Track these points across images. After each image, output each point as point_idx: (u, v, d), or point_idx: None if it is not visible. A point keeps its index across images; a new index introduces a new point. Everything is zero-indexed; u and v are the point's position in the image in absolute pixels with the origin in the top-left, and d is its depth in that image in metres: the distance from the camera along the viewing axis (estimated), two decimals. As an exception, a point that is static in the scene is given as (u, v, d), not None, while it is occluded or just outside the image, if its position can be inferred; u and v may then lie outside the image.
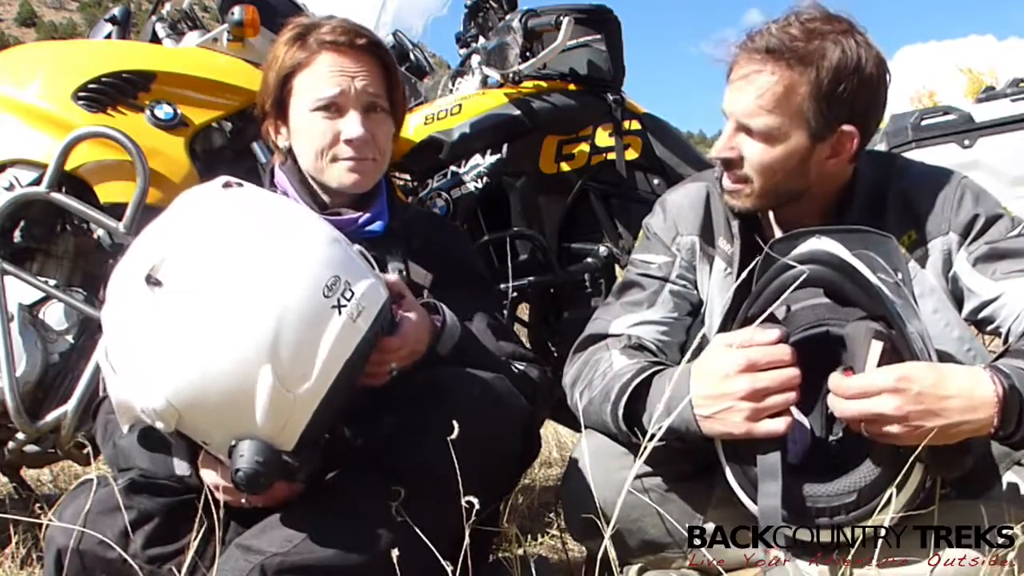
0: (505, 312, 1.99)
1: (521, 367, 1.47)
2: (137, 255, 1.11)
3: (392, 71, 1.50)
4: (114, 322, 1.12)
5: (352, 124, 1.43)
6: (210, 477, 1.20)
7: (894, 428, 1.11)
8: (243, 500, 1.19)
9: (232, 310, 1.06)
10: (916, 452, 1.11)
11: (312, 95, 1.42)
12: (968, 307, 1.37)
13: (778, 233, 1.46)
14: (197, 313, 1.06)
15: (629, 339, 1.44)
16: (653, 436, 1.13)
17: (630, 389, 1.30)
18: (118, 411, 1.16)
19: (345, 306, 1.10)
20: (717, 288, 1.48)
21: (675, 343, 1.49)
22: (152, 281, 1.06)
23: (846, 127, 1.33)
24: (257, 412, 1.06)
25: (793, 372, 1.16)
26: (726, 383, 1.17)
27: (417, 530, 1.13)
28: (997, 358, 1.23)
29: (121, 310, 1.10)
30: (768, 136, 1.33)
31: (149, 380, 1.07)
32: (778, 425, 1.16)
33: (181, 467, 1.23)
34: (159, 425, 1.10)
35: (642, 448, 1.12)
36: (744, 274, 1.25)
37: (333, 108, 1.42)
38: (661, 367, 1.32)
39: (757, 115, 1.32)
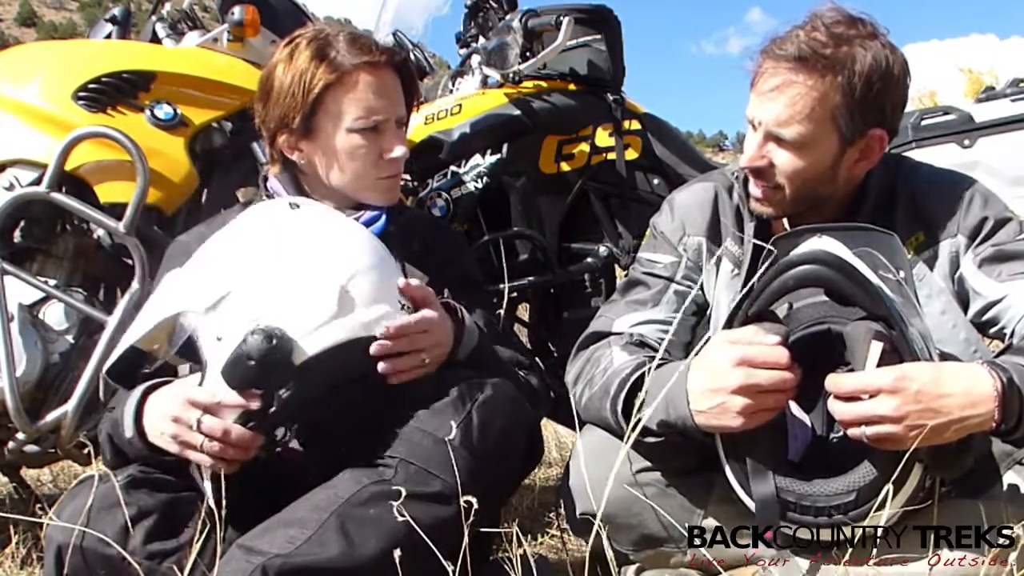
0: (501, 315, 2.00)
1: (522, 375, 1.47)
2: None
3: (412, 84, 1.52)
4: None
5: (397, 143, 1.48)
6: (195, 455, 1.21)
7: (895, 429, 1.10)
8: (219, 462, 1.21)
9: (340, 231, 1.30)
10: (911, 449, 1.10)
11: (353, 114, 1.43)
12: (973, 309, 1.37)
13: None
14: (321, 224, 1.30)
15: (631, 337, 1.44)
16: (638, 422, 1.13)
17: (629, 384, 1.31)
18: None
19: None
20: (724, 289, 1.48)
21: (679, 343, 1.49)
22: (294, 206, 1.32)
23: (876, 131, 1.34)
24: (309, 304, 1.20)
25: (787, 376, 1.16)
26: (721, 377, 1.18)
27: (419, 530, 1.13)
28: (997, 356, 1.23)
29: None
30: (800, 145, 1.32)
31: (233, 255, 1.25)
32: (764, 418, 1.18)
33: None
34: (205, 300, 1.20)
35: (627, 435, 1.13)
36: (755, 278, 1.25)
37: (376, 127, 1.45)
38: (661, 362, 1.32)
39: (790, 124, 1.31)
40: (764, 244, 1.26)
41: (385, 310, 1.26)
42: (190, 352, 1.24)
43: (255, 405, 1.19)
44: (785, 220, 1.46)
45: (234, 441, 1.20)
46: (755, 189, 1.40)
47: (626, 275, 2.06)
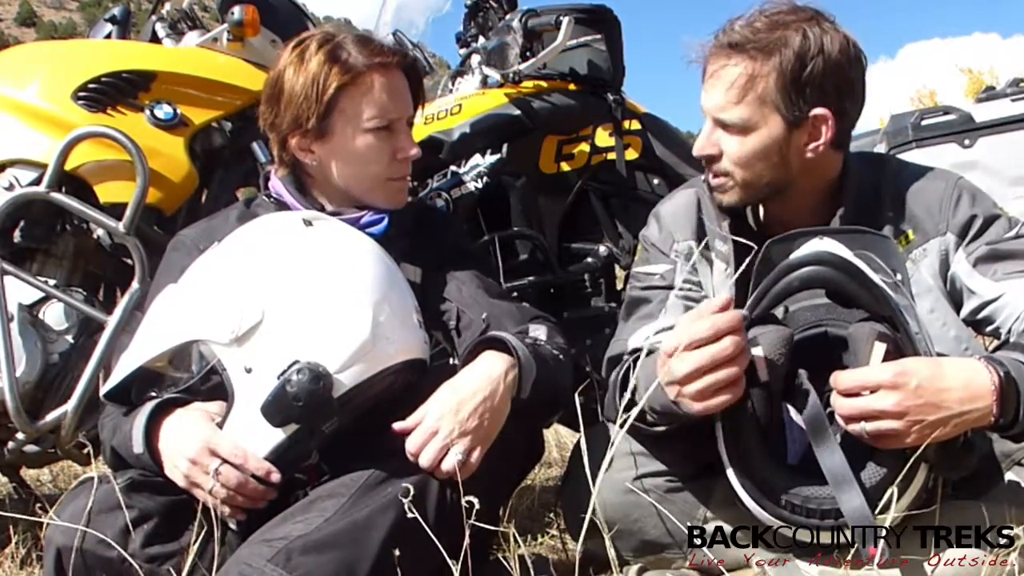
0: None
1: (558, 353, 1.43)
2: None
3: (419, 86, 1.54)
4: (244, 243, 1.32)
5: (409, 143, 1.49)
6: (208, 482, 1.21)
7: (895, 424, 1.11)
8: (237, 506, 1.22)
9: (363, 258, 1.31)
10: (915, 447, 1.11)
11: (368, 115, 1.44)
12: (968, 307, 1.37)
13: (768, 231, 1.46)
14: (340, 245, 1.32)
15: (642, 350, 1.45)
16: (628, 417, 1.14)
17: (618, 383, 1.33)
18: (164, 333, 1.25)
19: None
20: (720, 287, 1.48)
21: None
22: (307, 223, 1.33)
23: (818, 110, 1.34)
24: (344, 336, 1.21)
25: (722, 346, 1.13)
26: (663, 371, 1.18)
27: (426, 528, 1.13)
28: (992, 351, 1.24)
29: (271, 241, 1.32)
30: (741, 128, 1.35)
31: (257, 287, 1.23)
32: (721, 400, 1.15)
33: None
34: (231, 330, 1.20)
35: (617, 421, 1.13)
36: (757, 287, 1.26)
37: (388, 128, 1.46)
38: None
39: (727, 108, 1.35)
40: (751, 243, 1.27)
41: (410, 334, 1.28)
42: (207, 376, 1.26)
43: (276, 478, 1.21)
44: (763, 215, 1.47)
45: (248, 494, 1.21)
46: (710, 178, 1.43)
47: (626, 276, 2.06)
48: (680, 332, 1.17)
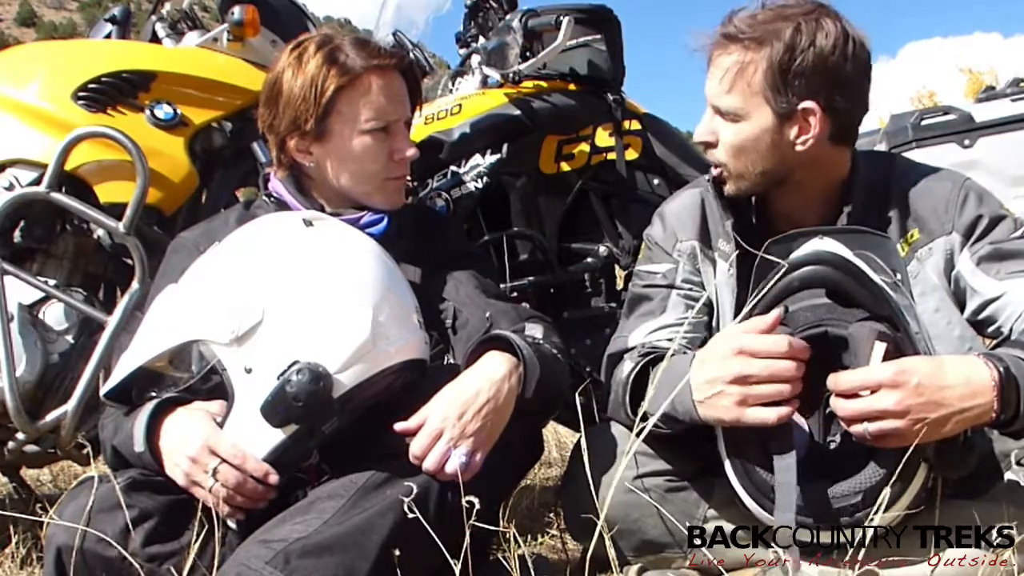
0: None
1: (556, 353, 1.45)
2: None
3: (416, 87, 1.55)
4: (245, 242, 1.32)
5: (406, 144, 1.50)
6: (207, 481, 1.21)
7: (898, 424, 1.11)
8: (236, 505, 1.22)
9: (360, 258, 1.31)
10: (915, 446, 1.11)
11: (365, 116, 1.45)
12: (971, 307, 1.37)
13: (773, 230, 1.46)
14: (340, 245, 1.31)
15: (643, 347, 1.46)
16: (646, 416, 1.14)
17: (630, 384, 1.33)
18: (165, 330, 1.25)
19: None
20: (724, 287, 1.49)
21: (697, 340, 1.49)
22: (308, 223, 1.33)
23: (806, 104, 1.34)
24: (344, 336, 1.20)
25: (786, 364, 1.16)
26: (719, 366, 1.19)
27: (428, 527, 1.13)
28: (993, 348, 1.24)
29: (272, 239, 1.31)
30: (735, 117, 1.37)
31: (259, 286, 1.23)
32: (767, 415, 1.16)
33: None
34: (231, 330, 1.20)
35: (634, 430, 1.13)
36: (758, 287, 1.26)
37: (385, 129, 1.47)
38: (659, 357, 1.33)
39: (720, 96, 1.37)
40: (751, 247, 1.27)
41: (410, 334, 1.28)
42: (207, 376, 1.26)
43: (274, 480, 1.21)
44: (770, 214, 1.47)
45: (247, 493, 1.21)
46: (712, 169, 1.45)
47: (626, 276, 2.06)
48: (744, 338, 1.18)
